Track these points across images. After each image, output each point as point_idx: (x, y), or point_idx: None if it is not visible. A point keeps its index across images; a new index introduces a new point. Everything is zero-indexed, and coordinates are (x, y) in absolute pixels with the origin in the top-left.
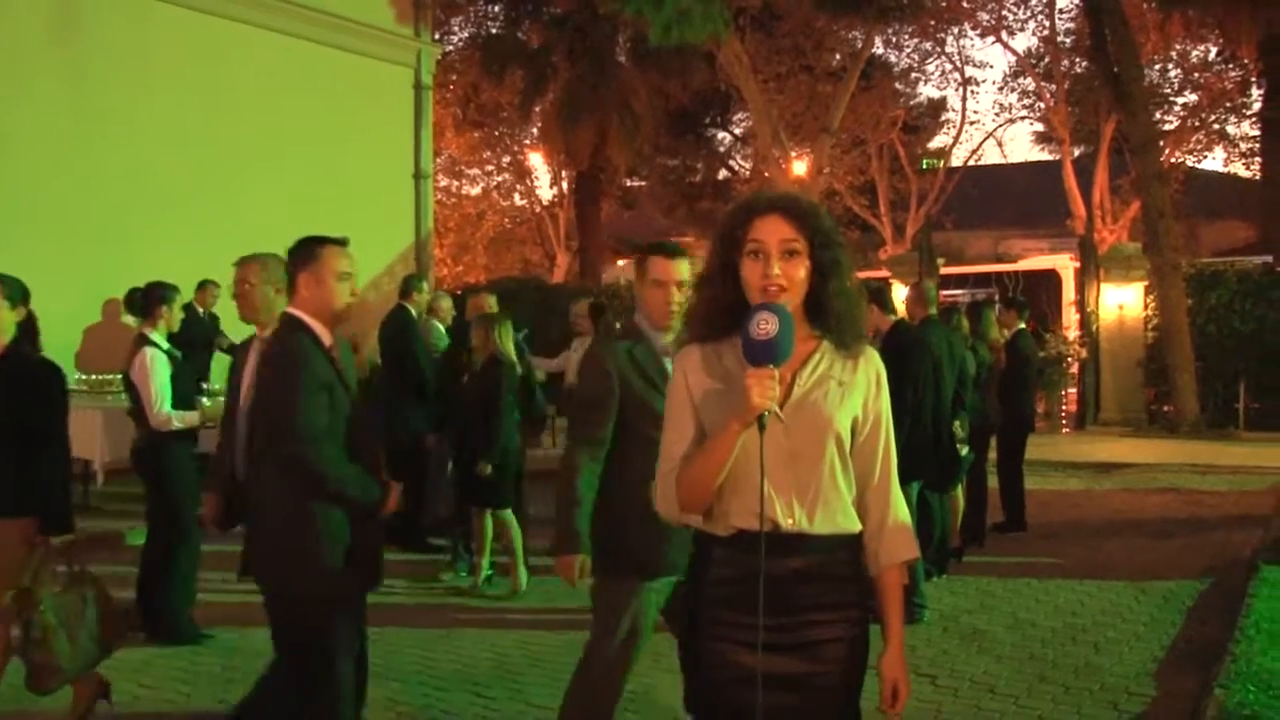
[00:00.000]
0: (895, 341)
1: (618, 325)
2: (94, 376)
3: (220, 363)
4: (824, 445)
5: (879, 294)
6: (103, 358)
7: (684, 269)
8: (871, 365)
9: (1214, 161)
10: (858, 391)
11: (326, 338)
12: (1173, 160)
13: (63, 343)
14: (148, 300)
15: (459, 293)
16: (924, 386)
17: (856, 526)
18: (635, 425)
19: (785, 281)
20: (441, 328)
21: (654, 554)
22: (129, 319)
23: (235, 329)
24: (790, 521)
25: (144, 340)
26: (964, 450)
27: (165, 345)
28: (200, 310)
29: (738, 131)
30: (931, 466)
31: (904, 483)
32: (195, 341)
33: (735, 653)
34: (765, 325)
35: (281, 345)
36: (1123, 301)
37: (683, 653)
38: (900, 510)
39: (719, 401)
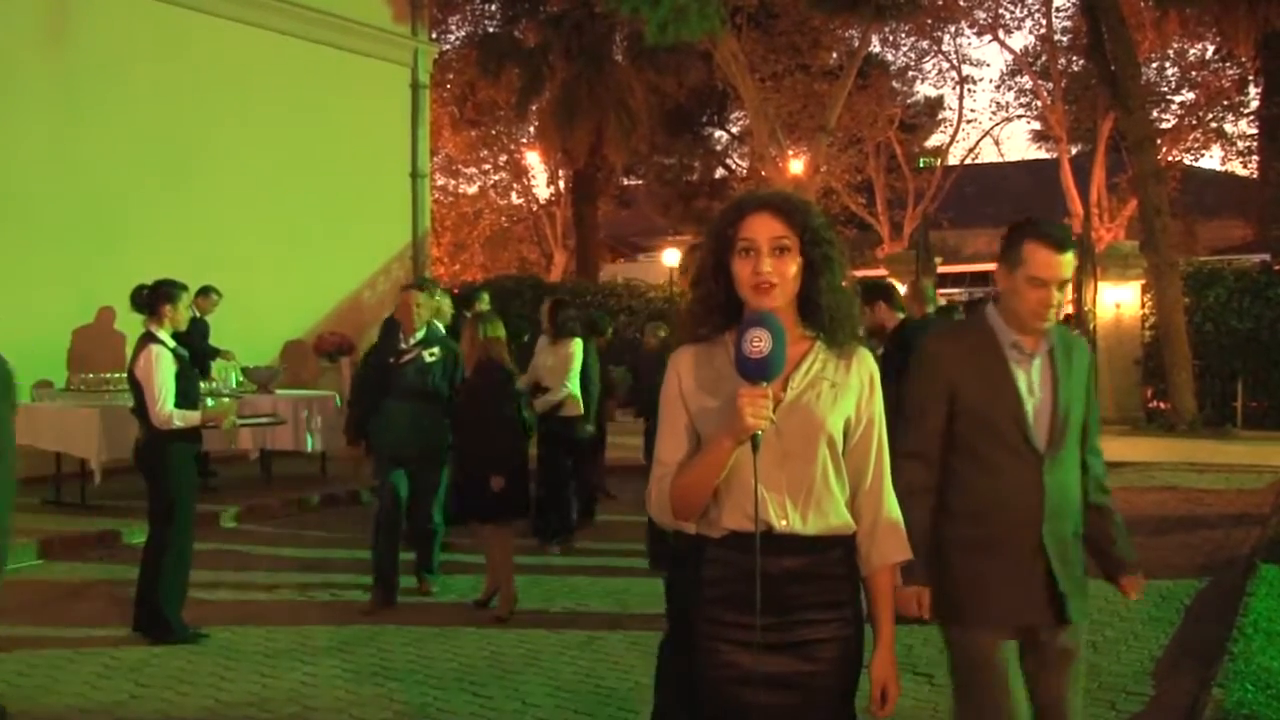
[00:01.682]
0: (903, 337)
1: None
2: (91, 375)
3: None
4: (817, 446)
5: (888, 291)
6: (94, 360)
7: (1069, 264)
8: (864, 366)
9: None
10: (850, 393)
11: None
12: (1170, 158)
13: (55, 345)
14: (154, 298)
15: (456, 291)
16: None
17: (850, 527)
18: (968, 440)
19: (776, 278)
20: (441, 328)
21: (990, 597)
22: (120, 325)
23: (224, 338)
24: (784, 522)
25: (150, 338)
26: None
27: (171, 344)
28: (198, 314)
29: (734, 130)
30: None
31: None
32: (192, 345)
33: (729, 652)
34: (758, 343)
35: None
36: (1120, 300)
37: (675, 651)
38: (893, 511)
39: (711, 405)
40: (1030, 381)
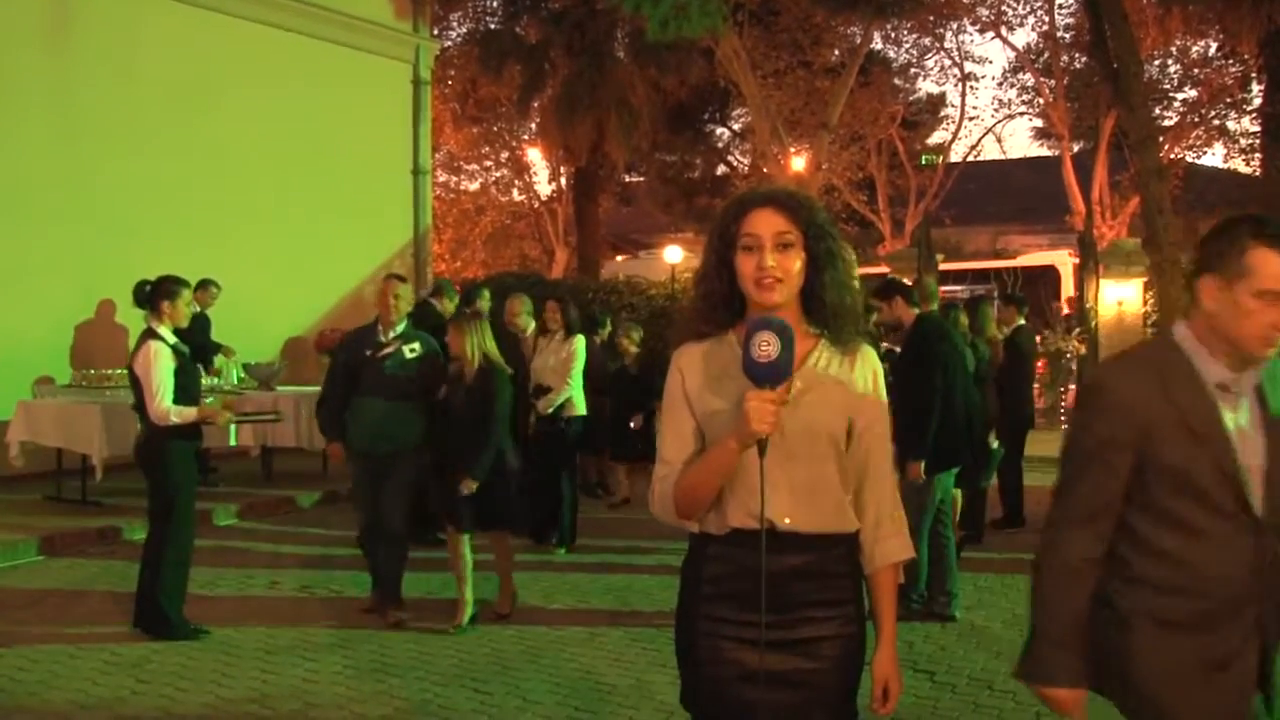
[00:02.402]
0: (922, 332)
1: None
2: (93, 371)
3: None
4: (821, 444)
5: (904, 287)
6: (97, 356)
7: None
8: (869, 363)
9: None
10: (854, 390)
11: None
12: (1172, 156)
13: (58, 341)
14: (154, 295)
15: (458, 288)
16: (954, 374)
17: (853, 525)
18: (1158, 498)
19: (780, 273)
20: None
21: (1194, 692)
22: (122, 320)
23: (225, 334)
24: (787, 521)
25: (150, 334)
26: (994, 444)
27: (172, 340)
28: (199, 308)
29: (736, 127)
30: (965, 455)
31: (941, 470)
32: (193, 340)
33: (731, 650)
34: (766, 347)
35: None
36: (1122, 297)
37: (679, 649)
38: (896, 509)
39: (716, 405)
40: (1240, 427)
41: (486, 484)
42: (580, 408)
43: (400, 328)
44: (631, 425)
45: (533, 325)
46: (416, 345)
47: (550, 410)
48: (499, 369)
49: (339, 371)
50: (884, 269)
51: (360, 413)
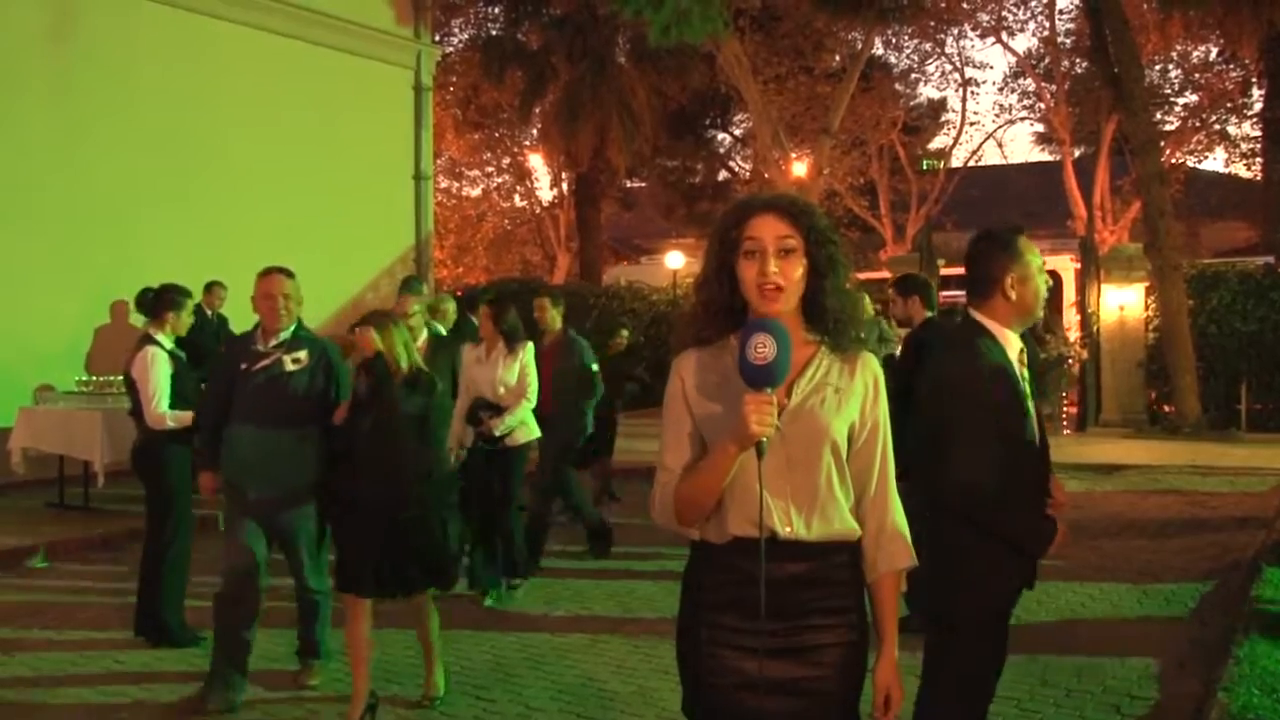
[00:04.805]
0: (921, 339)
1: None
2: (96, 378)
3: None
4: (821, 452)
5: (925, 288)
6: (114, 358)
7: None
8: (869, 371)
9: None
10: (855, 397)
11: None
12: (1173, 161)
13: (73, 344)
14: (157, 303)
15: (459, 294)
16: None
17: (855, 532)
18: None
19: (782, 280)
20: (443, 330)
21: None
22: (137, 320)
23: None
24: (788, 529)
25: (148, 339)
26: None
27: (169, 346)
28: (209, 312)
29: (737, 133)
30: None
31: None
32: (204, 343)
33: (733, 658)
34: (763, 349)
35: None
36: (1124, 302)
37: (680, 657)
38: (898, 517)
39: (715, 409)
40: None
41: (410, 531)
42: (533, 430)
43: (286, 334)
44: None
45: (425, 332)
46: (302, 354)
47: (501, 433)
48: (429, 378)
49: (214, 384)
50: (886, 274)
51: (231, 444)
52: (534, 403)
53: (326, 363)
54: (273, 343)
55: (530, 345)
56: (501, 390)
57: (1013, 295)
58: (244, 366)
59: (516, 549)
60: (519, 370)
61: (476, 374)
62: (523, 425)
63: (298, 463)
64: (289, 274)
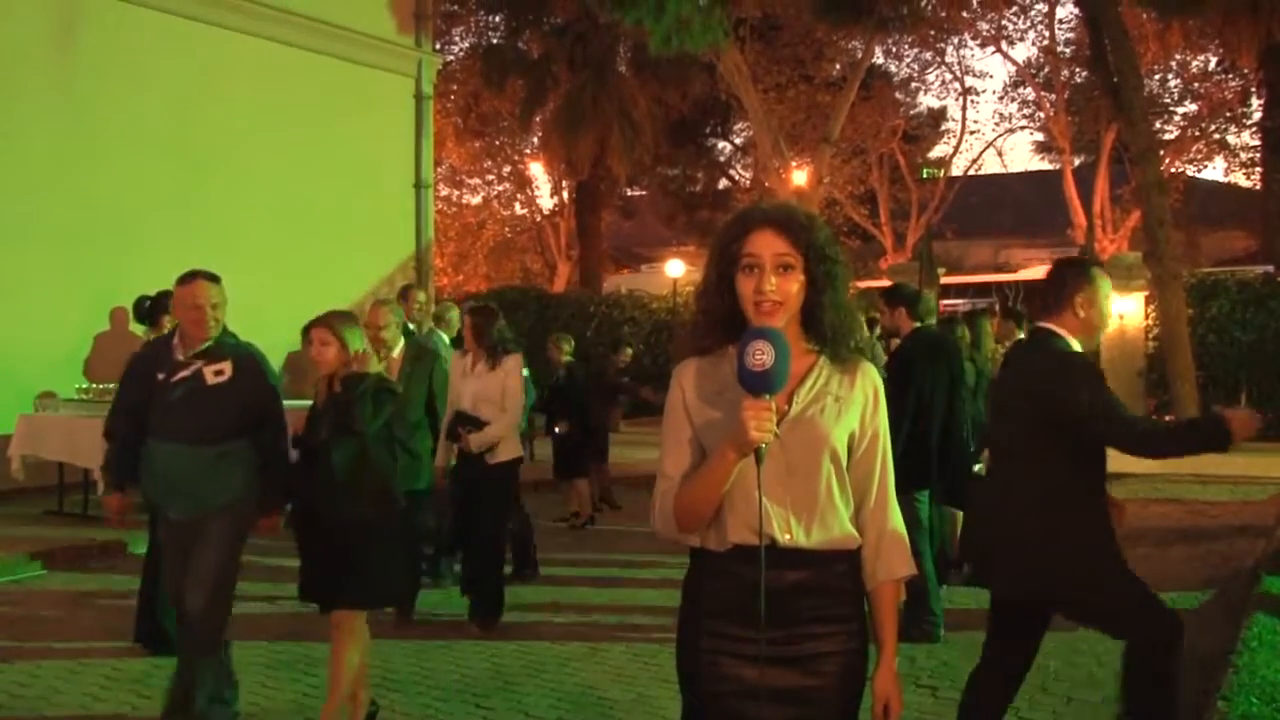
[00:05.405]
0: (907, 350)
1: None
2: (96, 386)
3: None
4: (821, 460)
5: (911, 299)
6: (113, 366)
7: None
8: (869, 380)
9: (1214, 171)
10: (855, 406)
11: None
12: (1173, 170)
13: (74, 351)
14: (155, 308)
15: (461, 302)
16: (933, 395)
17: (854, 541)
18: None
19: (779, 296)
20: (446, 339)
21: None
22: (137, 328)
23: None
24: (787, 536)
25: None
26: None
27: None
28: None
29: (738, 141)
30: (931, 473)
31: (908, 490)
32: None
33: (732, 666)
34: (760, 356)
35: None
36: (1123, 311)
37: (680, 665)
38: (898, 526)
39: (715, 417)
40: None
41: (355, 546)
42: (517, 449)
43: (208, 343)
44: (556, 430)
45: (402, 343)
46: (225, 366)
47: (477, 449)
48: (389, 385)
49: (127, 395)
50: (886, 282)
51: (149, 460)
52: (518, 419)
53: (254, 373)
54: (193, 352)
55: (518, 357)
56: (482, 405)
57: (1080, 314)
58: (161, 377)
59: (492, 580)
60: (502, 384)
61: (460, 386)
62: (506, 442)
63: (221, 481)
64: (214, 279)
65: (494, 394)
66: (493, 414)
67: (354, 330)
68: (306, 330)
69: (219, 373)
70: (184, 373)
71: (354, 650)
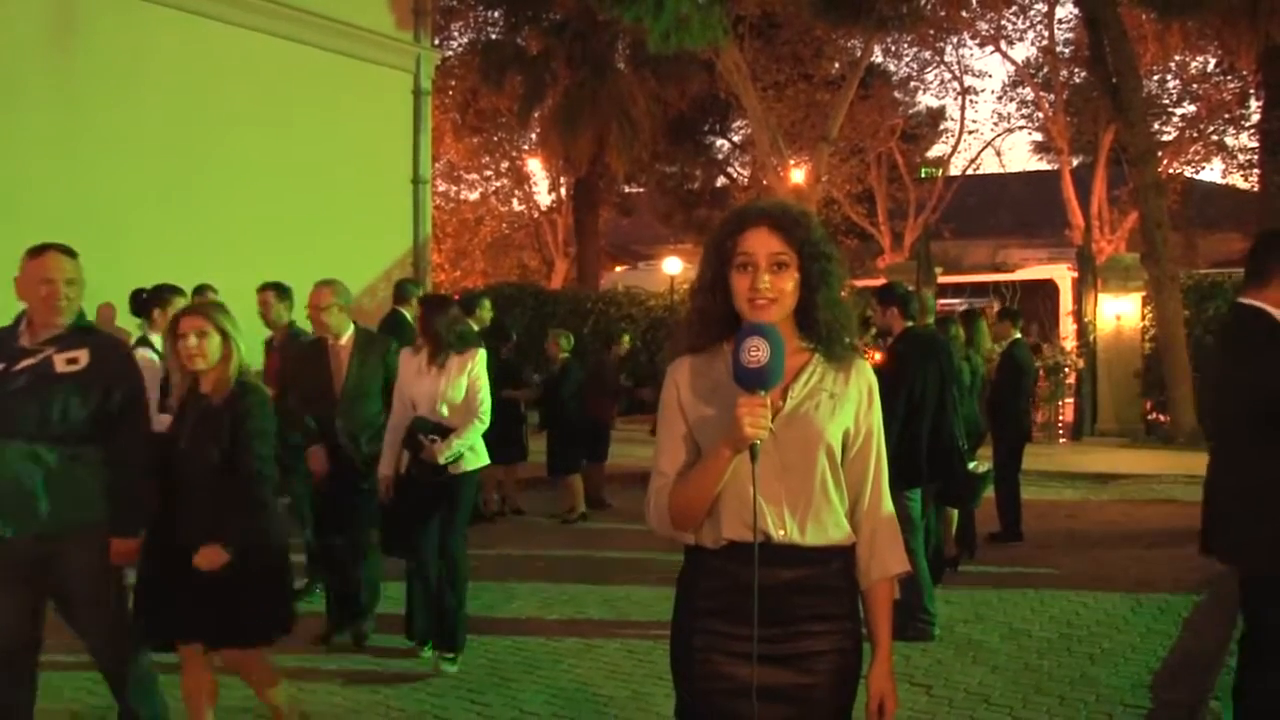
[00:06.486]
0: (899, 351)
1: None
2: None
3: None
4: (815, 457)
5: (904, 299)
6: None
7: None
8: (863, 377)
9: (1212, 172)
10: (849, 404)
11: None
12: (1171, 171)
13: None
14: (147, 303)
15: (457, 297)
16: (923, 391)
17: (849, 538)
18: None
19: (773, 294)
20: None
21: None
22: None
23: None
24: (782, 533)
25: (142, 342)
26: (980, 467)
27: (160, 346)
28: None
29: (736, 139)
30: (923, 472)
31: (902, 490)
32: None
33: (726, 664)
34: (755, 352)
35: None
36: (1120, 312)
37: (674, 663)
38: (892, 524)
39: (710, 414)
40: None
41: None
42: (483, 457)
43: (60, 329)
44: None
45: (350, 329)
46: (80, 355)
47: (446, 460)
48: (258, 390)
49: None
50: (882, 282)
51: None
52: (486, 423)
53: (116, 364)
54: (43, 338)
55: (481, 354)
56: (444, 408)
57: None
58: (2, 367)
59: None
60: (466, 384)
61: (415, 388)
62: (470, 451)
63: (76, 492)
64: (70, 253)
65: (452, 394)
66: (456, 418)
67: (235, 323)
68: (176, 320)
69: (72, 360)
70: (30, 361)
71: (276, 690)
